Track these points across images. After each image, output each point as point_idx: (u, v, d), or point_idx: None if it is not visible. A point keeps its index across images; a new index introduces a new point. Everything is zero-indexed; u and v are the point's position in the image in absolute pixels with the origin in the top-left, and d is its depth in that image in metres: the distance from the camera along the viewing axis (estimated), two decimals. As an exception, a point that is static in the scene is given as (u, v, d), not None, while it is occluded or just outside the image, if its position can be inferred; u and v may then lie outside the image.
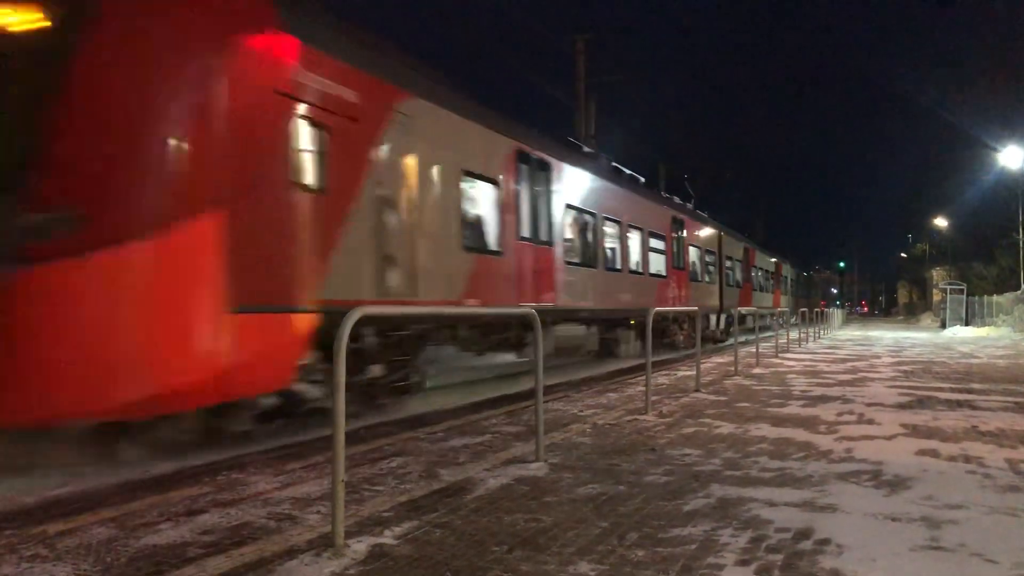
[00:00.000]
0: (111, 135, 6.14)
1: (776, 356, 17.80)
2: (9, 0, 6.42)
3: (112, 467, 6.37)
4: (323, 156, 7.70)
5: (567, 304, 13.73)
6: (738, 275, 29.46)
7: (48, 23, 6.32)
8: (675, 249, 20.96)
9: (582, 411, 9.01)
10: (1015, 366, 15.49)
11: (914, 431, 7.19)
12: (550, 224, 13.22)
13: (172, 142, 6.26)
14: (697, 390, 10.61)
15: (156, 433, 6.71)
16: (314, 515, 4.68)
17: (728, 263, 27.49)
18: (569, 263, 13.93)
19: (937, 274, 63.06)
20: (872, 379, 12.41)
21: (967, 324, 41.88)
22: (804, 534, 4.00)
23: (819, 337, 29.00)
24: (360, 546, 3.85)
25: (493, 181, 11.36)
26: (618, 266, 16.84)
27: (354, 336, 6.25)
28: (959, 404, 9.13)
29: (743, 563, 3.57)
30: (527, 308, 6.21)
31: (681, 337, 21.19)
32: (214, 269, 6.38)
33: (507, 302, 11.44)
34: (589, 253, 15.16)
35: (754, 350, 16.66)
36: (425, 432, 8.07)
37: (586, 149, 18.64)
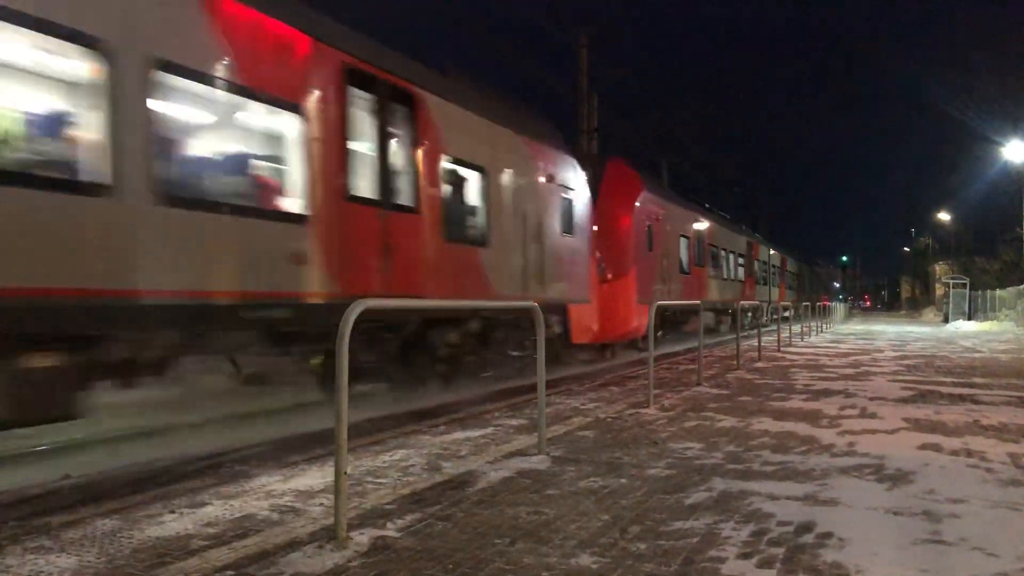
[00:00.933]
0: (611, 240, 17.70)
1: (778, 350, 17.80)
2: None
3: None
4: (653, 236, 19.87)
5: (714, 300, 26.14)
6: (775, 277, 39.85)
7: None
8: (749, 262, 33.49)
9: (584, 404, 9.02)
10: (1018, 360, 15.48)
11: (916, 425, 7.20)
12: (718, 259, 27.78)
13: (628, 243, 18.26)
14: (699, 384, 10.61)
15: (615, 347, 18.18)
16: (317, 507, 4.69)
17: (773, 269, 39.50)
18: (712, 278, 26.63)
19: (940, 268, 63.04)
20: (874, 373, 12.40)
21: (970, 318, 41.82)
22: (806, 528, 4.01)
23: (822, 331, 29.01)
24: (363, 538, 3.86)
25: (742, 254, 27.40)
26: (731, 276, 30.13)
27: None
28: (961, 398, 9.13)
29: (745, 556, 3.58)
30: (531, 302, 6.22)
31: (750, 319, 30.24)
32: (634, 287, 17.99)
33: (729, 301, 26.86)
34: (721, 272, 28.26)
35: (756, 343, 16.66)
36: (427, 425, 8.09)
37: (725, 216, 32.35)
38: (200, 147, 7.39)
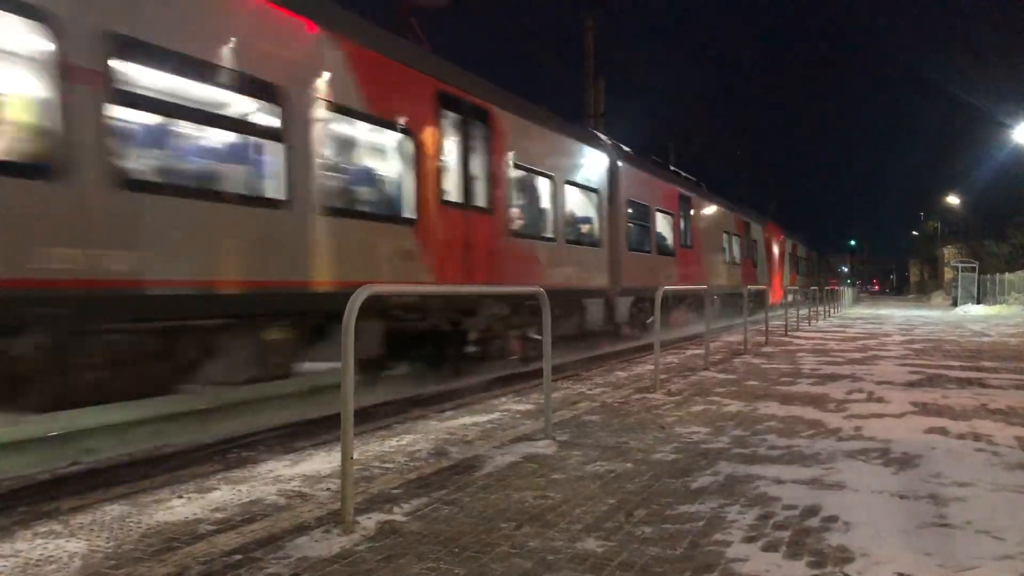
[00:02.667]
0: (771, 259, 34.86)
1: (786, 335, 17.77)
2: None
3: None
4: (781, 255, 37.41)
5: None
6: (799, 266, 43.98)
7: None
8: (791, 256, 41.27)
9: (591, 389, 9.04)
10: (1026, 344, 15.42)
11: (923, 409, 7.18)
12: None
13: (778, 260, 36.55)
14: (706, 368, 10.61)
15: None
16: (324, 492, 4.72)
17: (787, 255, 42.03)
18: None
19: (949, 252, 62.70)
20: (882, 357, 12.38)
21: (979, 302, 41.67)
22: (812, 511, 4.01)
23: (829, 315, 28.95)
24: (369, 522, 3.88)
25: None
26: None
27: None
28: (969, 382, 9.11)
29: (750, 540, 3.58)
30: (536, 287, 6.22)
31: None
32: (780, 280, 36.96)
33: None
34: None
35: (763, 328, 16.64)
36: (434, 410, 8.12)
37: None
38: (349, 167, 9.00)
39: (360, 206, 8.78)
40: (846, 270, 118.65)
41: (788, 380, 9.43)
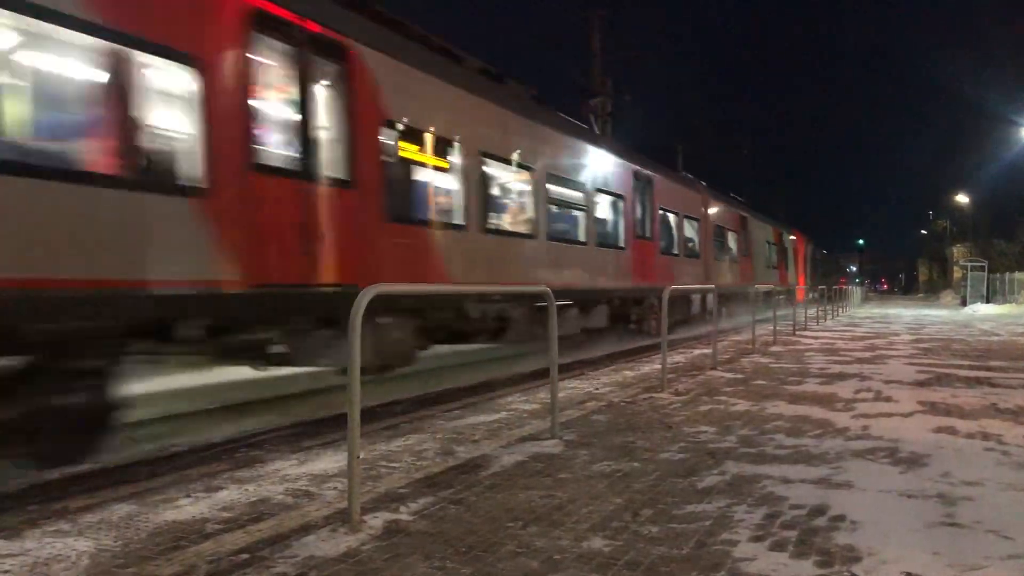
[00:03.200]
0: (799, 263, 40.46)
1: (794, 334, 17.72)
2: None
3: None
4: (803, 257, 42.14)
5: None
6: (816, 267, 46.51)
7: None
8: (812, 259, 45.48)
9: (597, 389, 9.03)
10: (1036, 343, 15.36)
11: (932, 408, 7.16)
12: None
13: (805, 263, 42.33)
14: (714, 368, 10.59)
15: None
16: (331, 491, 4.73)
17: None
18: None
19: (958, 251, 62.48)
20: (890, 357, 12.34)
21: (988, 301, 41.48)
22: (819, 511, 4.00)
23: (838, 315, 28.86)
24: (376, 522, 3.89)
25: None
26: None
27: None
28: (978, 381, 9.07)
29: (757, 539, 3.58)
30: (543, 287, 6.20)
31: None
32: (804, 281, 41.14)
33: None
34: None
35: (771, 328, 16.60)
36: (441, 410, 8.12)
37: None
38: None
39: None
40: (854, 269, 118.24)
41: (796, 379, 9.41)
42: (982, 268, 44.41)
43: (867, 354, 12.84)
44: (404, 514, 4.04)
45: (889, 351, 13.45)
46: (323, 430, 7.54)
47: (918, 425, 6.35)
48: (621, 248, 15.91)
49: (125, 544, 3.87)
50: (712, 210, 23.26)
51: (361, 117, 8.36)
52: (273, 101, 7.53)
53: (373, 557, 3.42)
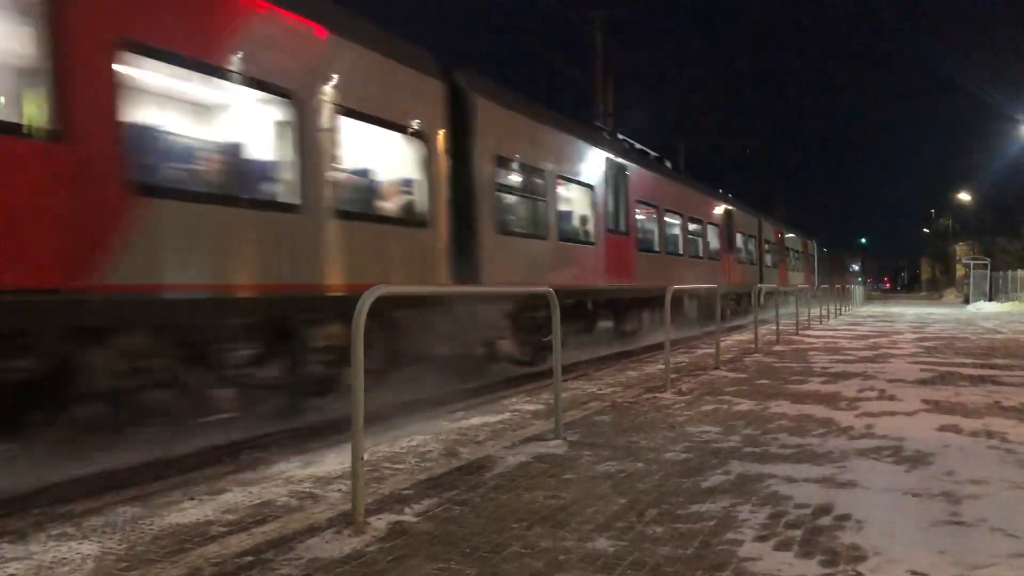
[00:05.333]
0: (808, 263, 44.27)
1: (797, 333, 17.70)
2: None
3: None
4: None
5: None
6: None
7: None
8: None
9: (601, 389, 9.03)
10: (1039, 341, 15.33)
11: (936, 407, 7.15)
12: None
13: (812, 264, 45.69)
14: (717, 367, 10.58)
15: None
16: (335, 493, 4.73)
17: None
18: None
19: (960, 249, 62.36)
20: (894, 355, 12.32)
21: (991, 299, 41.40)
22: (824, 510, 3.99)
23: (840, 314, 28.83)
24: (380, 523, 3.88)
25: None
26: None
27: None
28: (982, 379, 9.06)
29: (762, 539, 3.57)
30: (547, 288, 6.18)
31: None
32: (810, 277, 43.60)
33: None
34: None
35: (775, 327, 16.58)
36: (445, 411, 8.12)
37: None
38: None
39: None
40: (857, 268, 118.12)
41: (799, 378, 9.40)
42: (985, 266, 44.33)
43: (870, 353, 12.83)
44: (408, 515, 4.04)
45: (892, 350, 13.43)
46: (327, 432, 7.54)
47: (922, 424, 6.34)
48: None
49: (130, 547, 3.87)
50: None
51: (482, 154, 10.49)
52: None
53: (377, 559, 3.42)
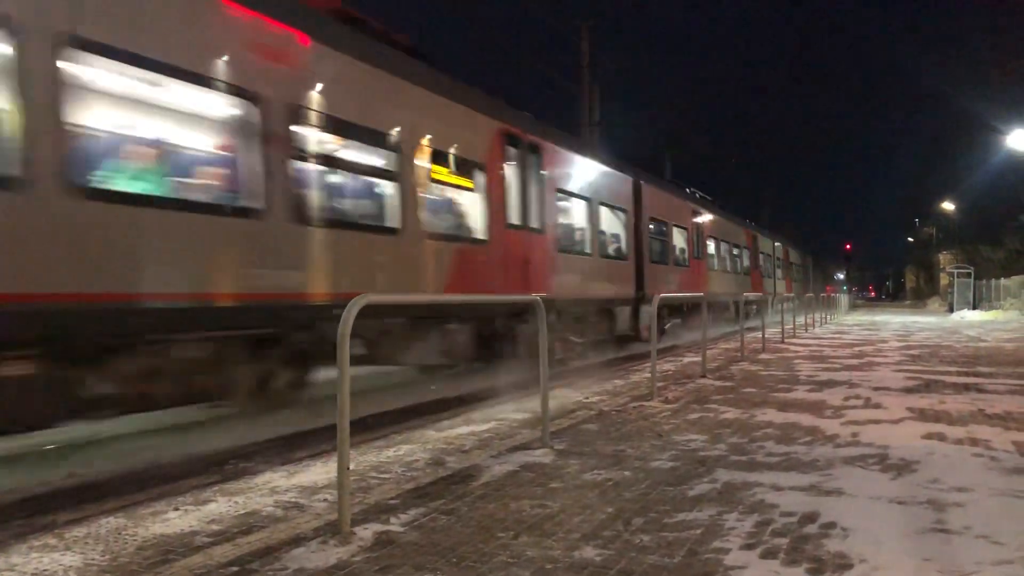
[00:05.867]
0: (788, 270, 44.43)
1: (782, 342, 17.77)
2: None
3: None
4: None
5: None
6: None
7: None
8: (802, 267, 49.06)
9: (587, 398, 9.02)
10: (1023, 349, 15.44)
11: (921, 415, 7.18)
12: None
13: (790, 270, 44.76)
14: (703, 376, 10.60)
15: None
16: (321, 503, 4.70)
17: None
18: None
19: (944, 258, 62.76)
20: (879, 363, 12.38)
21: (975, 308, 41.67)
22: (810, 518, 4.00)
23: (826, 322, 28.96)
24: (366, 533, 3.87)
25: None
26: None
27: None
28: (966, 387, 9.11)
29: (749, 547, 3.57)
30: (535, 296, 6.21)
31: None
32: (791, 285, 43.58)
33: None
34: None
35: (760, 335, 16.64)
36: (431, 420, 8.09)
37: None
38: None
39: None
40: (842, 276, 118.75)
41: (785, 387, 9.43)
42: (968, 275, 44.63)
43: (855, 361, 12.89)
44: (394, 525, 4.03)
45: (877, 358, 13.50)
46: (313, 441, 7.51)
47: (907, 431, 6.37)
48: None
49: (113, 558, 3.83)
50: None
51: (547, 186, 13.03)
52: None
53: (363, 569, 3.41)
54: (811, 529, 3.82)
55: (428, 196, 9.92)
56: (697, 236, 22.91)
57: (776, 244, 38.96)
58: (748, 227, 32.57)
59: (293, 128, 7.63)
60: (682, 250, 21.60)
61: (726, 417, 7.22)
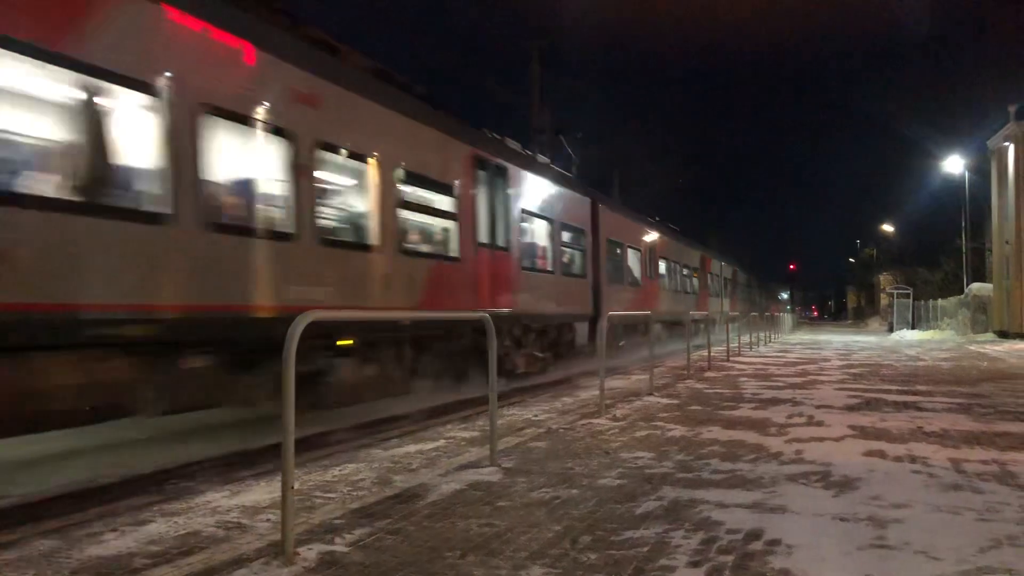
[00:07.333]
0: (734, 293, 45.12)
1: (728, 360, 18.00)
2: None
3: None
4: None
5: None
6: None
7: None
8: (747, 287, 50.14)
9: (536, 416, 9.02)
10: (958, 368, 15.86)
11: (862, 432, 7.32)
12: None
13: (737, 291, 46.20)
14: (650, 393, 10.68)
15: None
16: (264, 523, 4.61)
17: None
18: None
19: (884, 279, 64.39)
20: (821, 382, 12.60)
21: (913, 327, 42.82)
22: (755, 535, 4.04)
23: (770, 341, 29.42)
24: (311, 553, 3.80)
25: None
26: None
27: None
28: (905, 406, 9.31)
29: (694, 564, 3.59)
30: (482, 312, 6.21)
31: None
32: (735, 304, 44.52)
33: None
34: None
35: (706, 353, 16.84)
36: (378, 438, 8.02)
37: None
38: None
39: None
40: (786, 296, 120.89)
41: (730, 405, 9.54)
42: (907, 295, 45.83)
43: (799, 379, 13.10)
44: (339, 545, 3.97)
45: (820, 376, 13.74)
46: (256, 460, 7.38)
47: (849, 449, 6.48)
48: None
49: (46, 582, 3.71)
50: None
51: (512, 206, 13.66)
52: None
53: (307, 590, 3.34)
54: (756, 546, 3.86)
55: (408, 215, 10.42)
56: (650, 257, 23.47)
57: (723, 264, 39.51)
58: (697, 248, 33.17)
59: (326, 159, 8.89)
60: (636, 270, 22.21)
61: (673, 435, 7.28)
